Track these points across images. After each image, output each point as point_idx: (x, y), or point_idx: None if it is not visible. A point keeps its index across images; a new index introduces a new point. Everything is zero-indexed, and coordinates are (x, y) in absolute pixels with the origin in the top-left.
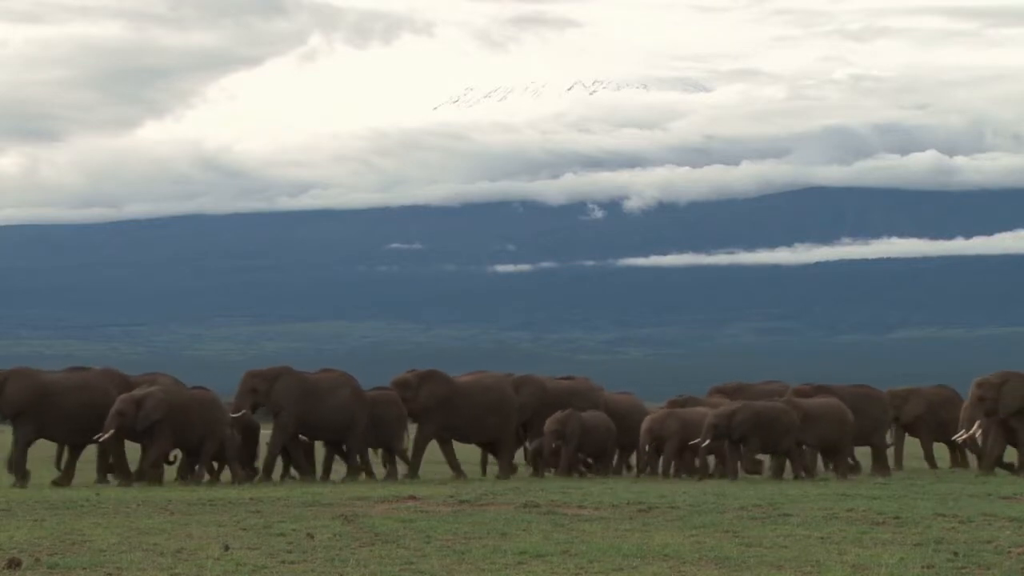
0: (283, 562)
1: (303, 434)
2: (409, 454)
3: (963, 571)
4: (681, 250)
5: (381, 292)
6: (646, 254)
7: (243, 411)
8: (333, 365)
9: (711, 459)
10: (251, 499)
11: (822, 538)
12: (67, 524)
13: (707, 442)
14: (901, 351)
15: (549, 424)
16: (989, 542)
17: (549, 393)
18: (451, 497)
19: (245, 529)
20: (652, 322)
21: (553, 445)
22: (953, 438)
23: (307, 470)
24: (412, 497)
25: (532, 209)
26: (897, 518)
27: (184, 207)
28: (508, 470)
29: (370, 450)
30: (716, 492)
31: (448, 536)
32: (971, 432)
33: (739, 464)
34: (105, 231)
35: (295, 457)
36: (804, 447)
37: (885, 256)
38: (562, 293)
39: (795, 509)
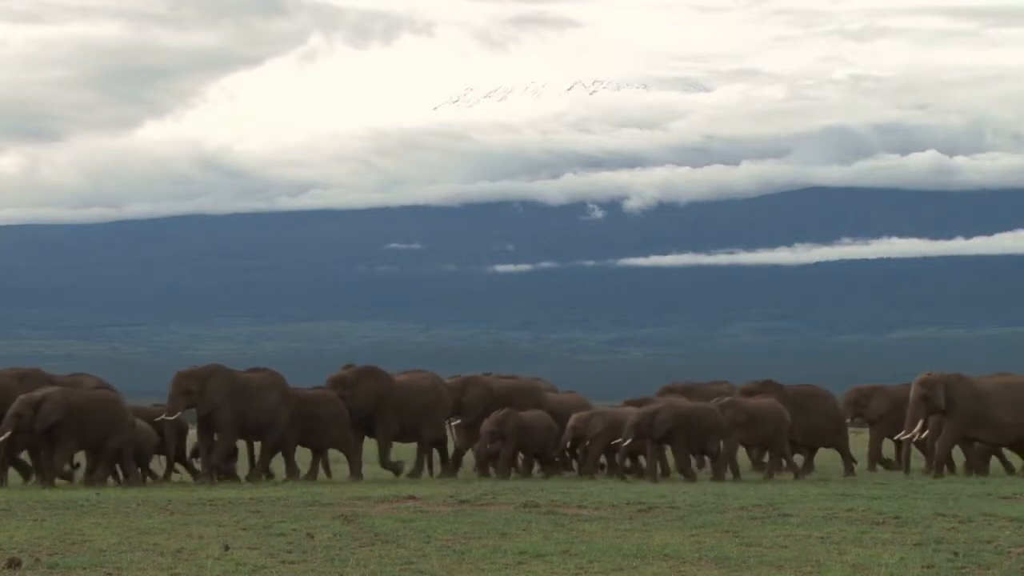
0: (283, 562)
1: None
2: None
3: (963, 571)
4: (681, 250)
5: (381, 292)
6: (646, 254)
7: (178, 413)
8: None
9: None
10: (251, 499)
11: (822, 538)
12: (67, 524)
13: (628, 441)
14: (901, 351)
15: (485, 425)
16: (989, 542)
17: (495, 393)
18: (451, 497)
19: (245, 529)
20: (652, 322)
21: (488, 446)
22: (896, 437)
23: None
24: (412, 497)
25: (532, 209)
26: (897, 518)
27: (184, 207)
28: (454, 470)
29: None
30: (716, 492)
31: (448, 536)
32: (913, 432)
33: (698, 465)
34: (105, 231)
35: (218, 456)
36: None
37: (885, 256)
38: (562, 293)
39: (795, 509)
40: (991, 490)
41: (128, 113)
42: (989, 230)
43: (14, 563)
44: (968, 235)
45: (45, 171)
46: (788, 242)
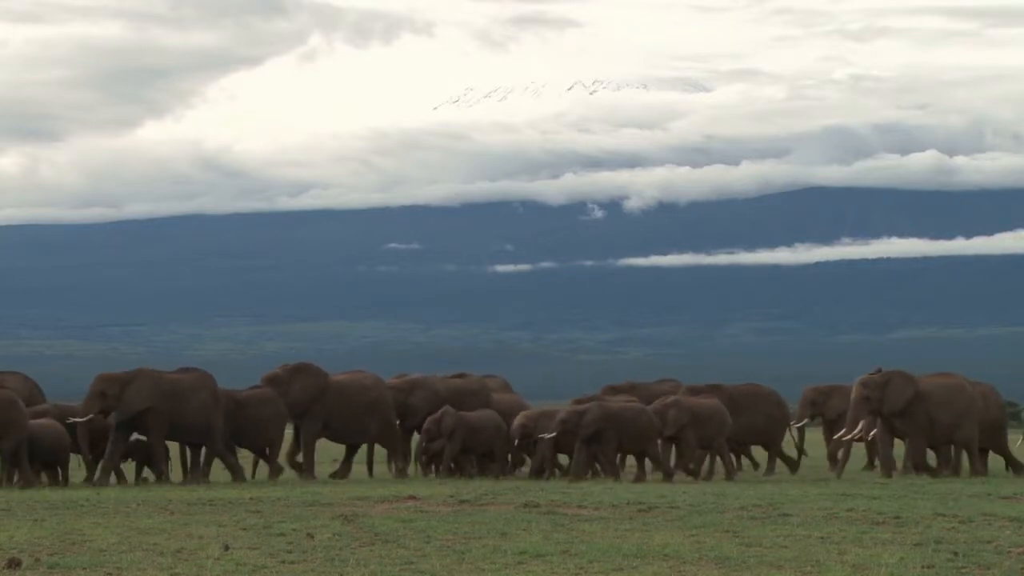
0: (283, 562)
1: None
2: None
3: (963, 571)
4: (681, 250)
5: (381, 292)
6: (646, 254)
7: (90, 415)
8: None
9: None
10: (251, 499)
11: (822, 538)
12: (67, 524)
13: (552, 435)
14: (901, 351)
15: (426, 424)
16: (989, 542)
17: (441, 394)
18: (451, 497)
19: (245, 529)
20: (652, 322)
21: (424, 444)
22: (835, 437)
23: (165, 475)
24: (412, 497)
25: (532, 209)
26: (897, 518)
27: (184, 207)
28: (404, 471)
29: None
30: (716, 492)
31: (448, 536)
32: (854, 433)
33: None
34: (105, 231)
35: (154, 457)
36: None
37: (885, 256)
38: (562, 293)
39: (795, 509)
40: (991, 490)
41: (128, 113)
42: (989, 230)
43: (14, 563)
44: (968, 235)
45: (45, 171)
46: (788, 242)
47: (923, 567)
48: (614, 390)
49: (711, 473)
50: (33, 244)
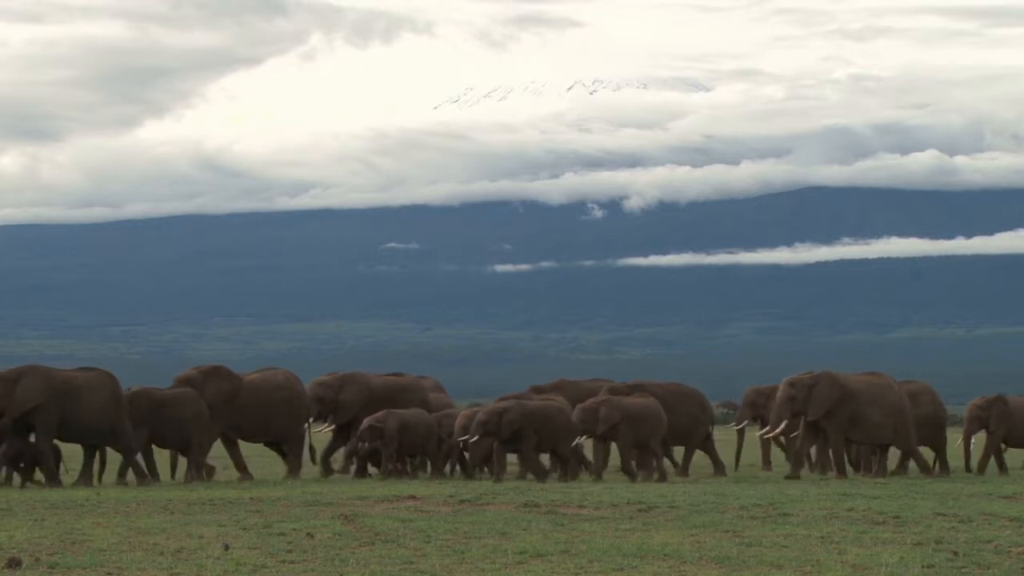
0: (283, 562)
1: (56, 437)
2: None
3: (963, 571)
4: (681, 250)
5: (381, 292)
6: (646, 254)
7: None
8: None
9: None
10: (251, 499)
11: (822, 538)
12: (67, 524)
13: (475, 439)
14: (901, 351)
15: (364, 424)
16: (989, 542)
17: (374, 391)
18: (451, 497)
19: (245, 529)
20: (652, 322)
21: (359, 445)
22: (758, 435)
23: (55, 475)
24: (412, 497)
25: (532, 209)
26: (897, 518)
27: (184, 207)
28: (297, 469)
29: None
30: (716, 492)
31: (448, 536)
32: (775, 431)
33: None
34: (105, 231)
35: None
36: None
37: (885, 256)
38: (562, 293)
39: (795, 509)
40: (991, 490)
41: (128, 113)
42: (989, 230)
43: (14, 563)
44: (968, 235)
45: (45, 171)
46: (788, 242)
47: (923, 567)
48: (538, 389)
49: (657, 473)
50: (33, 244)
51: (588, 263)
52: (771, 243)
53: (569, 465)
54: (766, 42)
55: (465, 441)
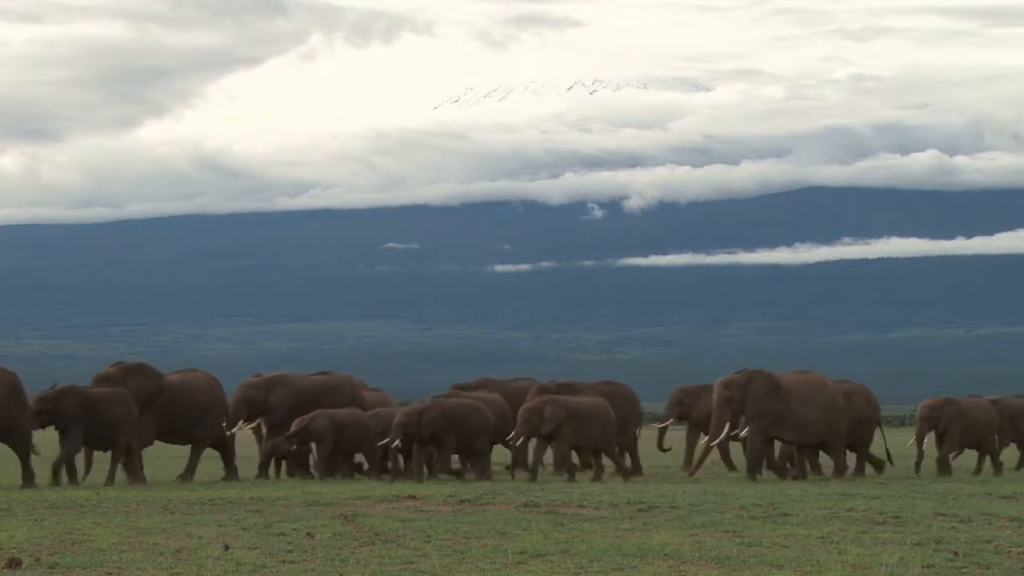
0: (283, 562)
1: None
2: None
3: (963, 571)
4: (681, 250)
5: (381, 292)
6: (646, 254)
7: None
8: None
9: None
10: (251, 499)
11: (822, 538)
12: (67, 524)
13: (396, 442)
14: (901, 351)
15: (295, 425)
16: (989, 542)
17: (302, 392)
18: (451, 497)
19: (245, 529)
20: (652, 322)
21: (291, 446)
22: (703, 442)
23: None
24: (412, 497)
25: (532, 209)
26: (897, 518)
27: (184, 207)
28: (234, 472)
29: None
30: (716, 492)
31: (448, 536)
32: (720, 437)
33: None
34: (105, 231)
35: None
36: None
37: (885, 256)
38: (562, 293)
39: (795, 509)
40: (991, 490)
41: (128, 113)
42: (989, 230)
43: (14, 563)
44: (968, 235)
45: (45, 171)
46: (788, 242)
47: (923, 567)
48: (462, 388)
49: (597, 472)
50: (33, 244)
51: (588, 263)
52: (771, 243)
53: (480, 464)
54: (766, 42)
55: (385, 444)
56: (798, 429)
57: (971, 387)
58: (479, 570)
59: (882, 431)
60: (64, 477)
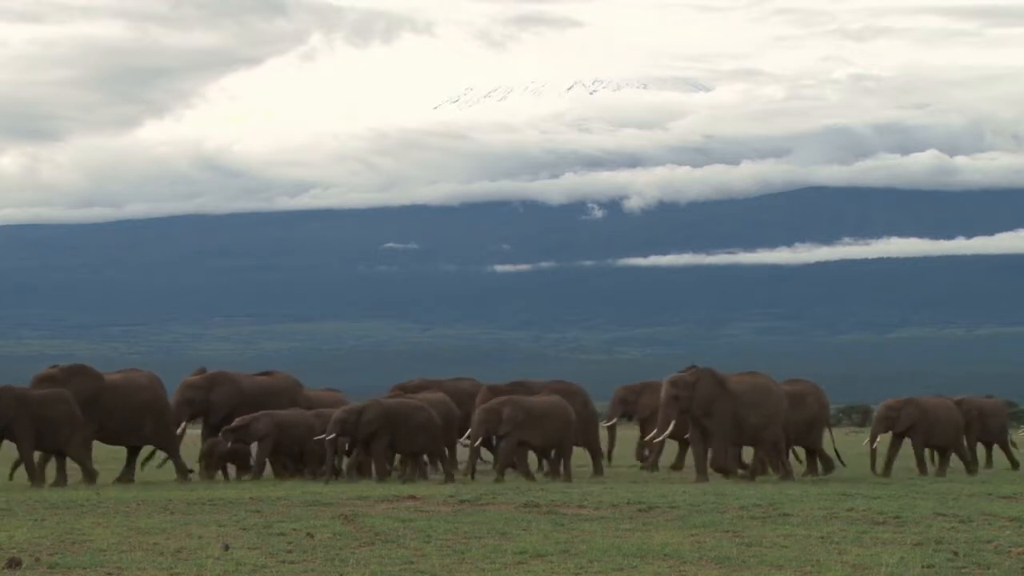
0: (283, 562)
1: None
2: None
3: (963, 571)
4: (681, 250)
5: (381, 292)
6: (646, 254)
7: None
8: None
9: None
10: (251, 499)
11: (822, 538)
12: (67, 524)
13: (332, 437)
14: (901, 351)
15: (236, 422)
16: (989, 542)
17: (245, 391)
18: (451, 497)
19: (245, 529)
20: (652, 322)
21: (229, 445)
22: (646, 439)
23: None
24: (412, 497)
25: (532, 209)
26: (897, 518)
27: (184, 207)
28: (185, 471)
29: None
30: (716, 492)
31: (448, 536)
32: (664, 434)
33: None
34: (105, 231)
35: None
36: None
37: (885, 256)
38: (562, 293)
39: (795, 509)
40: (991, 490)
41: (128, 113)
42: (989, 230)
43: (14, 563)
44: (968, 235)
45: (45, 171)
46: (788, 242)
47: (923, 567)
48: (403, 388)
49: (565, 473)
50: (33, 244)
51: (588, 263)
52: (771, 243)
53: (416, 464)
54: (766, 42)
55: (322, 440)
56: (741, 431)
57: (971, 387)
58: (479, 570)
59: (830, 431)
60: (42, 475)
